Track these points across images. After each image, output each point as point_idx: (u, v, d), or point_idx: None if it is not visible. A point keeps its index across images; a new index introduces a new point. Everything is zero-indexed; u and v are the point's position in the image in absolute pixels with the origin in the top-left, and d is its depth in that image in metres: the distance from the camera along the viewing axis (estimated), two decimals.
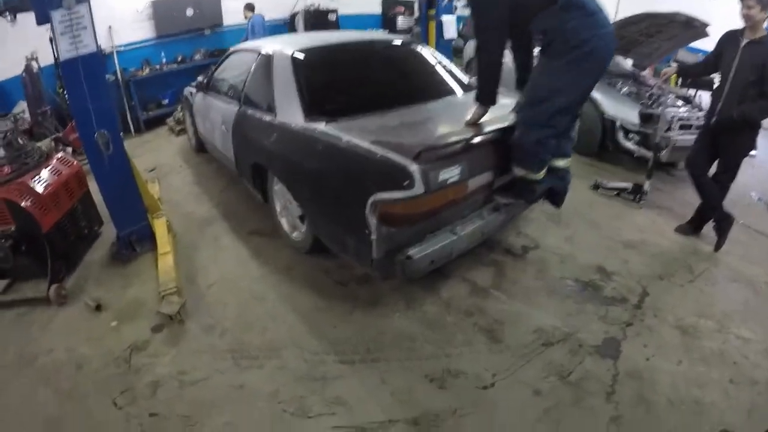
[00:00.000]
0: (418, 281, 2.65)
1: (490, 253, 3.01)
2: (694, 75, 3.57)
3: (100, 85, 2.91)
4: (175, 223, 3.58)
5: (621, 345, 2.22)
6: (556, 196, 2.71)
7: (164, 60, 7.04)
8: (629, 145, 4.39)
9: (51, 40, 2.76)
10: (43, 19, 2.67)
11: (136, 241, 3.23)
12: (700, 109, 4.34)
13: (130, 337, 2.42)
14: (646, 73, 4.88)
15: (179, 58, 7.03)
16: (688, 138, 3.81)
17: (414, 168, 1.95)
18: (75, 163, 3.41)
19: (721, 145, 3.03)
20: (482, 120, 2.37)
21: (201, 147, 5.00)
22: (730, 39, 2.95)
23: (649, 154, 3.87)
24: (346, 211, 2.28)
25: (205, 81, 4.26)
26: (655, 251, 3.03)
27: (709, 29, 3.81)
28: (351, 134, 2.33)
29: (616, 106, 4.52)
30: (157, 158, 5.30)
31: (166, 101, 7.03)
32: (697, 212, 3.28)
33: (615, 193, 3.84)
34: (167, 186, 4.47)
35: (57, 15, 2.66)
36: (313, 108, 2.67)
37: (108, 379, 2.16)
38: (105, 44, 6.41)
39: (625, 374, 2.06)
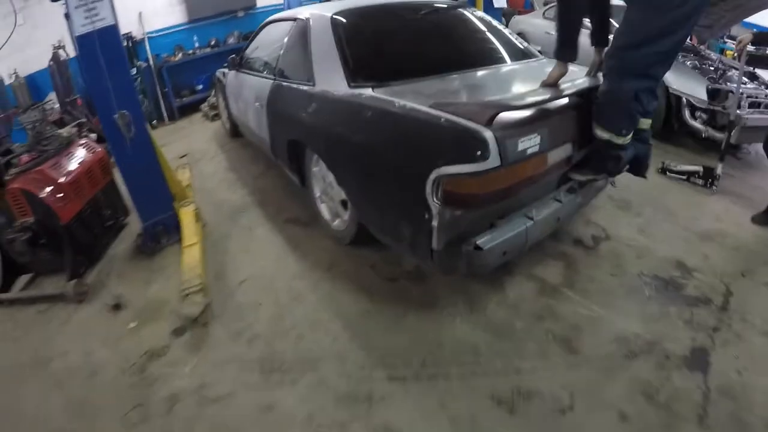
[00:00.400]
0: (479, 277, 2.24)
1: (557, 244, 2.56)
2: None
3: (120, 61, 2.62)
4: (205, 212, 3.30)
5: (710, 356, 1.87)
6: (640, 164, 2.26)
7: (197, 45, 6.83)
8: (696, 124, 3.87)
9: (66, 16, 2.47)
10: None
11: (162, 231, 2.95)
12: (767, 86, 3.91)
13: (148, 342, 2.13)
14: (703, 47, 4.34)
15: (212, 42, 6.76)
16: (759, 117, 3.46)
17: (488, 135, 1.56)
18: (99, 149, 3.17)
19: None
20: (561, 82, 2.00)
21: (236, 131, 4.74)
22: None
23: (719, 135, 3.50)
24: (400, 192, 1.87)
25: (238, 58, 3.94)
26: (734, 244, 2.65)
27: None
28: (405, 98, 1.92)
29: (682, 80, 3.92)
30: (190, 144, 5.08)
31: (200, 87, 6.83)
32: None
33: (684, 177, 3.43)
34: (199, 173, 4.21)
35: None
36: (357, 73, 2.27)
37: (122, 391, 1.88)
38: (136, 31, 6.31)
39: (717, 392, 1.71)
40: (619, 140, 1.96)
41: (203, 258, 2.62)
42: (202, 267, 2.49)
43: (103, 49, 2.50)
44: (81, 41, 2.47)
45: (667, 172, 3.52)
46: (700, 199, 3.19)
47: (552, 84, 1.98)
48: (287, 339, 2.05)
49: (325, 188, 2.63)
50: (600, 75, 2.03)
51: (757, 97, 3.63)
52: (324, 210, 2.74)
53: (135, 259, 2.85)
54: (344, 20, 2.53)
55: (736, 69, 3.95)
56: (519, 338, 1.95)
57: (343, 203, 2.48)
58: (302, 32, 2.76)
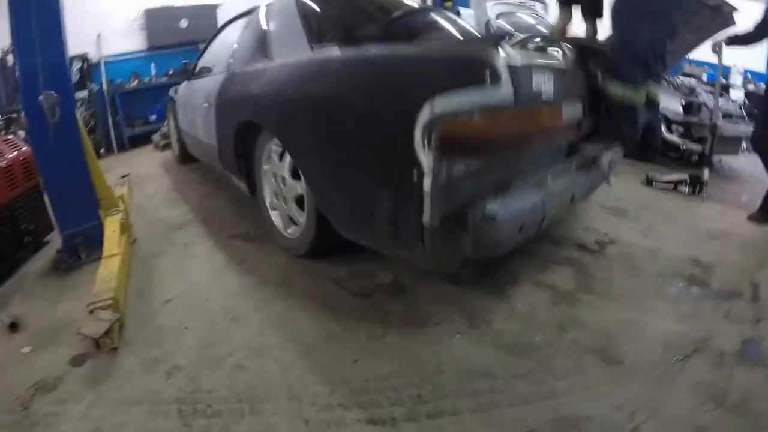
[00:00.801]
0: (475, 287, 1.83)
1: (558, 249, 2.23)
2: (746, 42, 3.18)
3: (55, 31, 2.19)
4: (138, 229, 2.75)
5: (763, 347, 1.62)
6: (650, 141, 2.18)
7: (154, 73, 6.46)
8: (674, 138, 4.04)
9: None
10: None
11: (82, 244, 2.37)
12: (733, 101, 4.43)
13: (41, 371, 1.55)
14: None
15: (170, 72, 6.36)
16: (733, 127, 3.83)
17: (500, 58, 1.25)
18: (24, 149, 2.62)
19: None
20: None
21: (185, 155, 4.26)
22: None
23: (696, 147, 3.80)
24: (378, 151, 1.46)
25: (191, 66, 3.59)
26: (740, 240, 2.58)
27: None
28: (383, 49, 1.58)
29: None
30: (136, 170, 4.50)
31: (153, 117, 6.39)
32: (766, 197, 2.91)
33: (671, 186, 3.40)
34: (139, 193, 3.65)
35: None
36: (321, 34, 1.94)
37: None
38: (93, 53, 5.96)
39: None
40: (631, 96, 1.79)
41: (122, 271, 2.04)
42: (118, 280, 1.91)
43: (40, 16, 2.07)
44: (14, 3, 2.03)
45: (653, 183, 3.46)
46: (692, 204, 3.17)
47: (559, 33, 1.86)
48: (220, 371, 1.48)
49: (278, 189, 2.17)
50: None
51: (728, 110, 3.95)
52: (276, 217, 2.26)
53: (48, 276, 2.30)
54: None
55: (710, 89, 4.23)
56: (542, 354, 1.49)
57: (299, 202, 2.01)
58: (261, 15, 2.46)
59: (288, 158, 1.99)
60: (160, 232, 2.75)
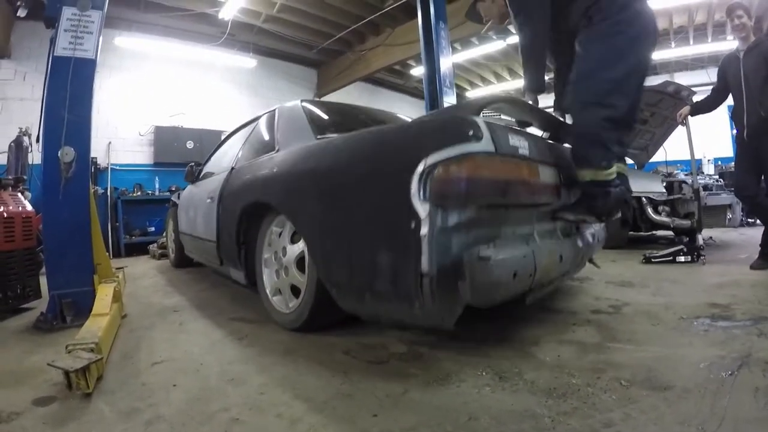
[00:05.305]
0: (497, 349, 1.70)
1: (574, 316, 2.14)
2: (708, 108, 3.47)
3: (85, 96, 2.40)
4: (130, 309, 2.61)
5: None
6: (624, 213, 2.34)
7: (158, 186, 6.78)
8: (662, 218, 4.18)
9: (51, 40, 2.32)
10: (53, 12, 2.30)
11: (70, 307, 2.22)
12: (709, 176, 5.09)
13: None
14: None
15: (173, 188, 6.65)
16: (714, 198, 4.18)
17: (478, 119, 1.51)
18: (29, 209, 2.62)
19: (763, 156, 3.01)
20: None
21: (181, 258, 4.30)
22: (728, 59, 3.18)
23: (685, 222, 3.94)
24: (378, 206, 1.58)
25: (196, 170, 3.84)
26: (751, 283, 2.64)
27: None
28: (380, 127, 1.91)
29: (639, 183, 4.28)
30: (131, 269, 4.43)
31: (152, 229, 6.55)
32: (763, 243, 3.10)
33: (670, 259, 3.50)
34: (134, 286, 3.54)
35: (67, 12, 2.32)
36: (324, 131, 2.20)
37: None
38: (101, 159, 6.37)
39: None
40: (602, 174, 1.89)
41: (110, 329, 1.88)
42: (104, 332, 1.73)
43: (74, 78, 2.29)
44: (55, 63, 2.29)
45: (652, 260, 3.52)
46: (694, 269, 3.23)
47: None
48: (211, 424, 1.25)
49: (279, 266, 2.16)
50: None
51: (707, 184, 4.33)
52: (277, 302, 2.18)
53: (25, 333, 2.18)
54: (311, 104, 2.56)
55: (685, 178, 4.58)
56: (585, 393, 1.31)
57: (300, 266, 2.00)
58: (269, 119, 2.73)
59: (288, 228, 2.08)
60: (153, 312, 2.60)
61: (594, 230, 2.30)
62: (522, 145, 1.61)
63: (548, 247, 1.74)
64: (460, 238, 1.41)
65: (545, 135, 2.26)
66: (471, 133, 1.44)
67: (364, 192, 1.64)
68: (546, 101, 2.23)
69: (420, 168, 1.40)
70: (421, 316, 1.45)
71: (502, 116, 2.28)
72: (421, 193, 1.40)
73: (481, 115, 1.59)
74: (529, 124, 2.22)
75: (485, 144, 1.44)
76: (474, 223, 1.44)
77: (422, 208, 1.39)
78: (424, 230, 1.37)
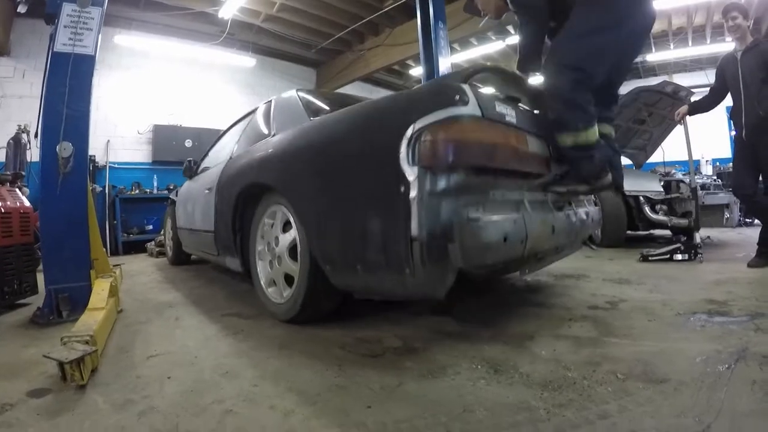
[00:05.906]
0: (492, 343, 1.69)
1: (569, 311, 2.14)
2: (706, 108, 3.48)
3: (84, 91, 2.39)
4: (126, 305, 2.61)
5: None
6: (614, 171, 2.13)
7: (156, 185, 6.78)
8: (660, 217, 4.17)
9: (51, 37, 2.32)
10: (53, 8, 2.30)
11: (66, 302, 2.21)
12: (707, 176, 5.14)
13: None
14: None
15: (171, 186, 6.66)
16: (712, 197, 4.21)
17: (466, 86, 1.53)
18: (26, 205, 2.62)
19: (761, 155, 3.03)
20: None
21: (179, 255, 4.35)
22: (726, 60, 3.20)
23: (683, 221, 3.91)
24: (369, 175, 1.60)
25: (194, 166, 3.88)
26: (748, 280, 2.66)
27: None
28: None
29: (637, 182, 4.32)
30: (128, 267, 4.43)
31: (150, 227, 6.56)
32: (761, 242, 3.12)
33: (667, 257, 3.49)
34: (130, 282, 3.55)
35: (68, 8, 2.32)
36: (317, 111, 2.26)
37: None
38: (100, 158, 6.34)
39: None
40: (583, 138, 1.87)
41: (105, 323, 1.88)
42: (100, 326, 1.73)
43: (73, 74, 2.29)
44: (55, 58, 2.28)
45: (649, 258, 3.50)
46: (691, 267, 3.24)
47: None
48: (204, 415, 1.25)
49: (272, 256, 2.17)
50: None
51: (705, 183, 4.34)
52: (272, 293, 2.21)
53: (21, 327, 2.16)
54: (307, 93, 2.60)
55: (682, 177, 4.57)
56: (581, 386, 1.31)
57: (292, 255, 2.02)
58: (264, 110, 2.78)
59: (279, 218, 2.12)
60: (149, 307, 2.60)
61: (589, 209, 2.30)
62: (509, 113, 1.65)
63: (540, 216, 1.74)
64: (450, 202, 1.41)
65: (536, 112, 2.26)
66: (457, 97, 1.47)
67: (356, 161, 1.68)
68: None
69: (408, 132, 1.44)
70: (412, 285, 1.45)
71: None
72: (410, 156, 1.43)
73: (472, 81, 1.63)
74: (518, 100, 2.21)
75: (471, 108, 1.48)
76: (463, 188, 1.45)
77: (411, 172, 1.41)
78: (413, 193, 1.39)
